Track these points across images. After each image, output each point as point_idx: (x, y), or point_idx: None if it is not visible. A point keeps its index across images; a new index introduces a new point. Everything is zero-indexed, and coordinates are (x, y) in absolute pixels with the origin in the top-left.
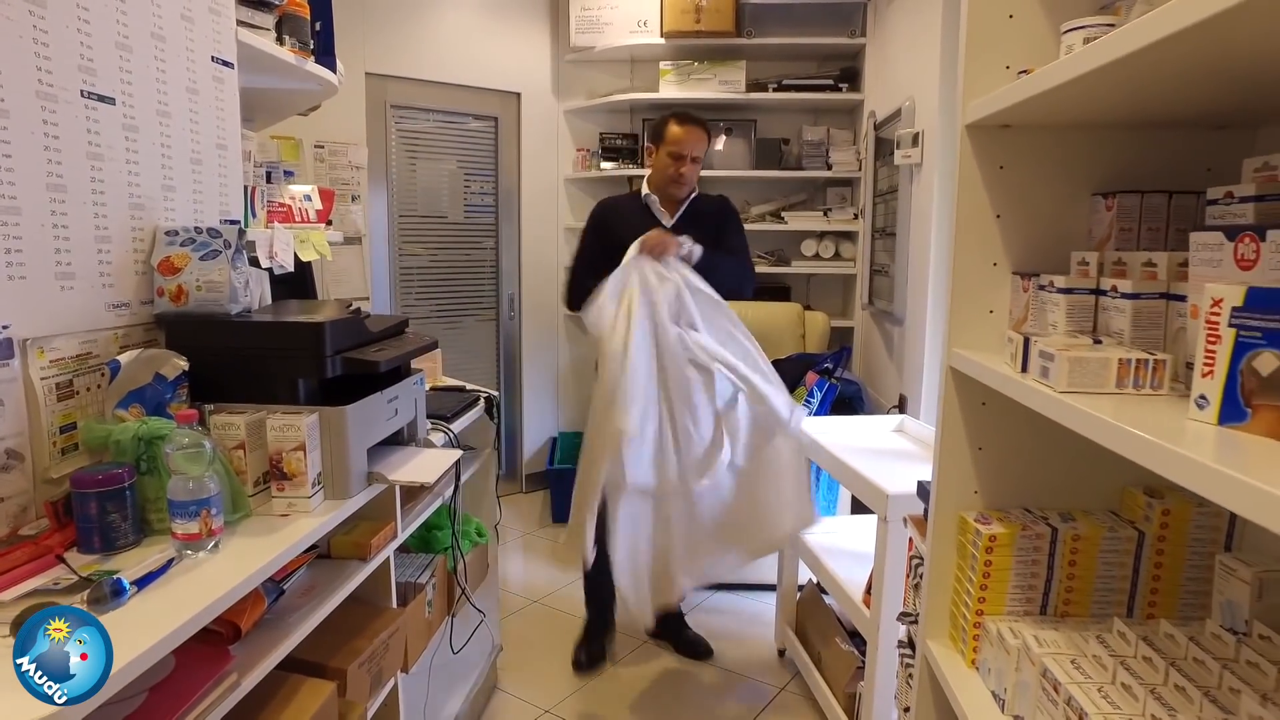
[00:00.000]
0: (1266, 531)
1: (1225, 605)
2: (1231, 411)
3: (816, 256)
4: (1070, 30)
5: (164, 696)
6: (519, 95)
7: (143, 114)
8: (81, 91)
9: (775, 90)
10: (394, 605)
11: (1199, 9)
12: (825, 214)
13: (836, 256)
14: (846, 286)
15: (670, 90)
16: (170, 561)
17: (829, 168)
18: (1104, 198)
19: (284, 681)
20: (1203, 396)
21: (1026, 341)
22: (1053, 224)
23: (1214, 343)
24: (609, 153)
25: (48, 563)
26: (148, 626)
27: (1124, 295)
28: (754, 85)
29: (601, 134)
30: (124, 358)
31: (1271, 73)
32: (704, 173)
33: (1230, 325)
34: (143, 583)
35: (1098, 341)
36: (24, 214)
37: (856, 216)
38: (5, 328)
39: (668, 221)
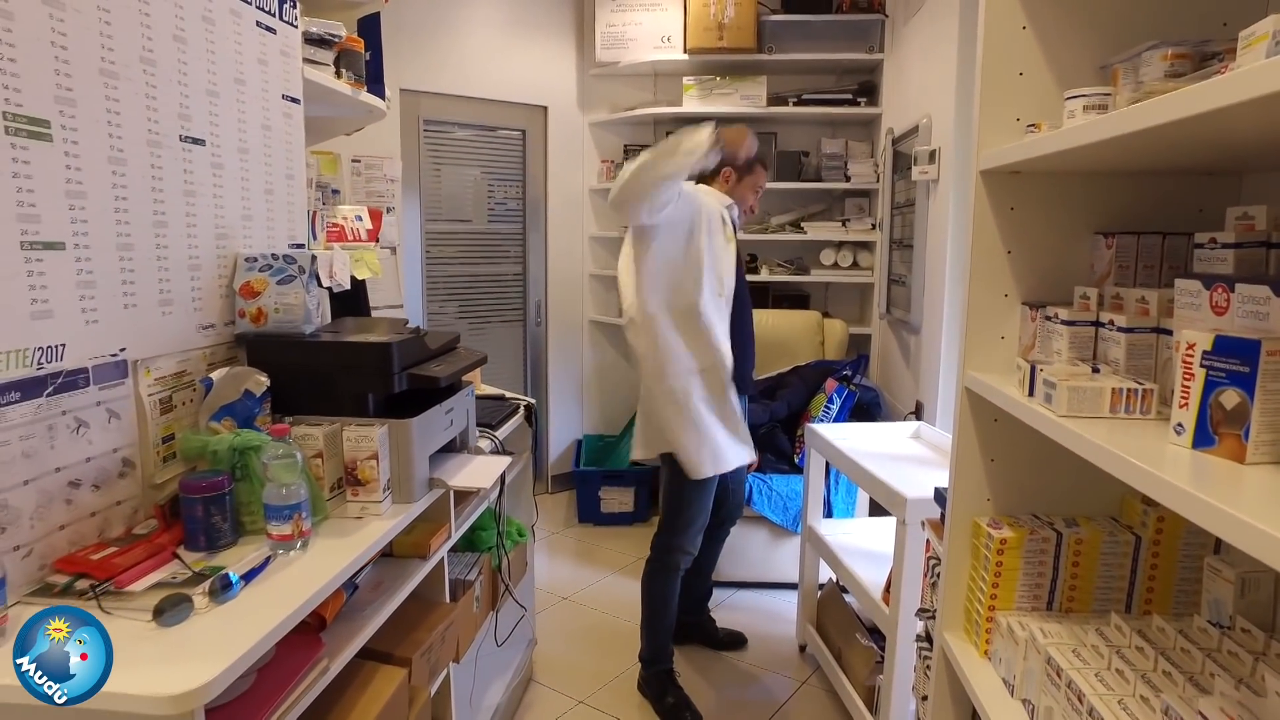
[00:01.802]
0: None
1: (1212, 602)
2: (1202, 438)
3: (835, 265)
4: (1072, 98)
5: (271, 677)
6: (546, 109)
7: (227, 152)
8: (180, 136)
9: (795, 104)
10: (447, 600)
11: (1176, 109)
12: (843, 224)
13: (854, 266)
14: (864, 295)
15: (693, 104)
16: (268, 559)
17: (847, 179)
18: (1105, 237)
19: (360, 667)
20: (1180, 424)
21: (1033, 369)
22: (1058, 260)
23: (1188, 379)
24: None
25: (165, 558)
26: (259, 616)
27: (1119, 329)
28: (774, 99)
29: (626, 146)
30: (215, 375)
31: (1247, 145)
32: None
33: (1201, 366)
34: (248, 577)
35: (1096, 370)
36: (136, 249)
37: (874, 227)
38: (122, 350)
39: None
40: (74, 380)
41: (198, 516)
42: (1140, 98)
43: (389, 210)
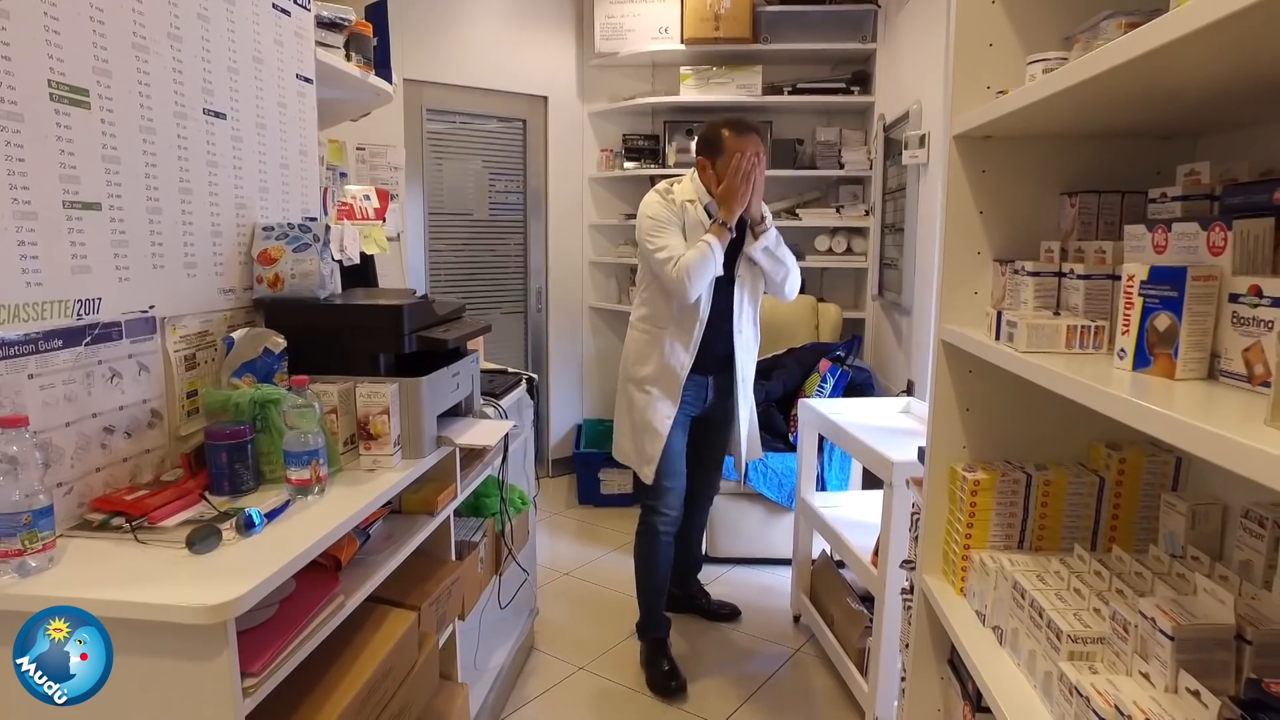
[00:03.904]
0: (1207, 473)
1: (1168, 535)
2: (1141, 360)
3: (829, 251)
4: (1033, 62)
5: (292, 608)
6: (546, 99)
7: (246, 126)
8: (203, 109)
9: (790, 93)
10: (453, 559)
11: (1117, 54)
12: (838, 210)
13: (848, 251)
14: (858, 280)
15: (690, 94)
16: (288, 502)
17: (841, 167)
18: (1069, 196)
19: (373, 610)
20: (1122, 350)
21: (999, 315)
22: (1027, 219)
23: (1129, 309)
24: (631, 153)
25: (192, 500)
26: (279, 551)
27: (1079, 276)
28: (770, 88)
29: (624, 135)
30: (236, 335)
31: (1192, 97)
32: None
33: (1140, 295)
34: (270, 516)
35: (1057, 314)
36: (164, 213)
37: (868, 213)
38: (152, 307)
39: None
40: (108, 332)
41: (222, 463)
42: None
43: (393, 198)
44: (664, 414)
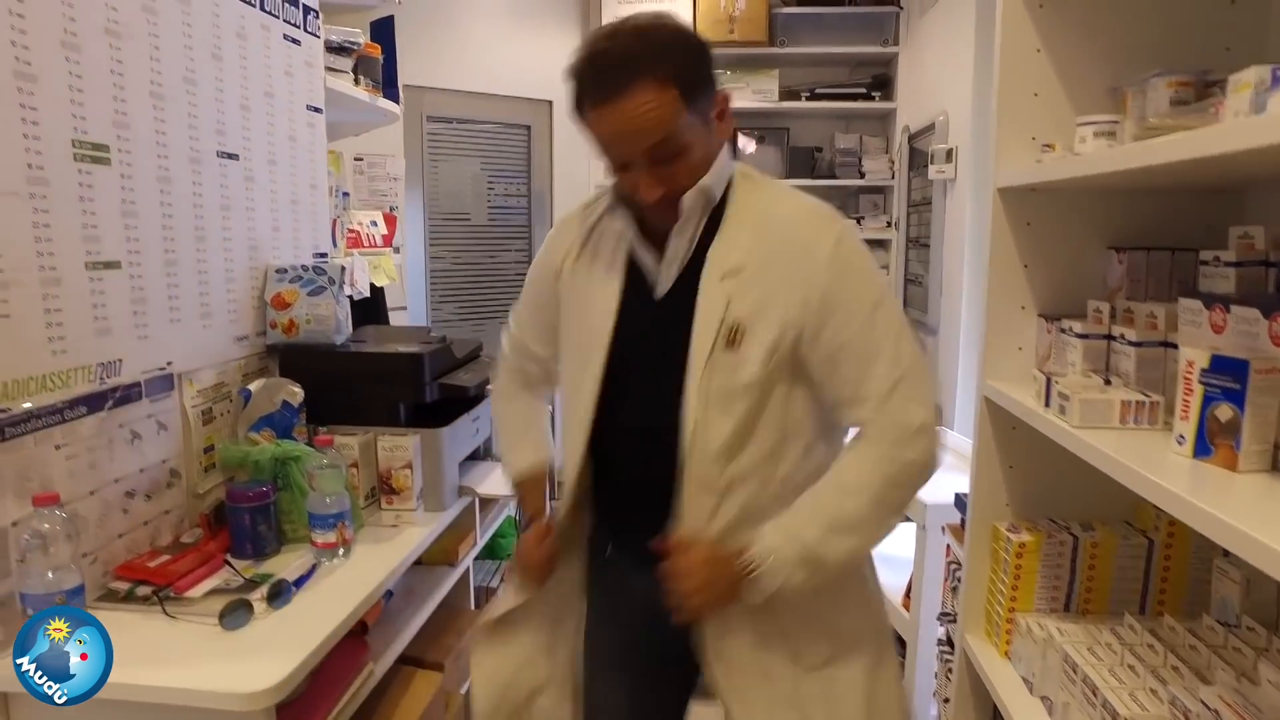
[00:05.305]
0: None
1: (1220, 602)
2: (1201, 448)
3: None
4: (1084, 124)
5: (323, 678)
6: (551, 103)
7: (257, 165)
8: (216, 152)
9: (808, 98)
10: (471, 607)
11: (1182, 150)
12: (858, 222)
13: None
14: None
15: None
16: (314, 567)
17: (861, 176)
18: (1117, 252)
19: (398, 672)
20: (1181, 436)
21: (1049, 381)
22: (1073, 273)
23: (1189, 394)
24: None
25: (216, 565)
26: (313, 624)
27: (1130, 342)
28: (786, 93)
29: None
30: (253, 387)
31: (1243, 174)
32: None
33: (1200, 382)
34: (299, 583)
35: (1108, 381)
36: (180, 264)
37: (890, 224)
38: (169, 364)
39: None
40: (129, 394)
41: (245, 525)
42: (1145, 134)
43: (393, 209)
44: None
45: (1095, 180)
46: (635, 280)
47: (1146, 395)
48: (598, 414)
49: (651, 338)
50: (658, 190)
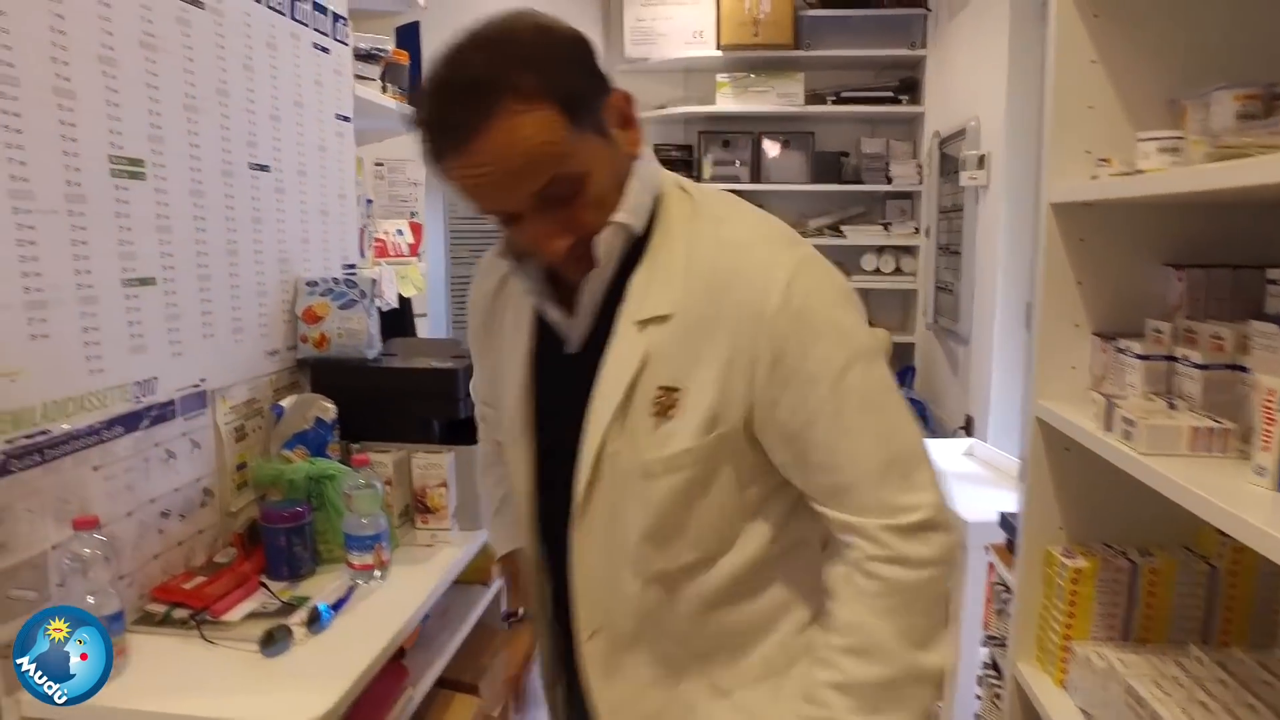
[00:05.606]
0: None
1: None
2: None
3: (876, 271)
4: (1145, 139)
5: (363, 704)
6: None
7: (288, 176)
8: (248, 164)
9: (834, 102)
10: (506, 627)
11: (1259, 174)
12: (885, 228)
13: (897, 271)
14: (906, 301)
15: (727, 103)
16: (351, 590)
17: (889, 181)
18: (1175, 269)
19: (436, 696)
20: (1261, 466)
21: (1110, 403)
22: (1129, 290)
23: (1269, 424)
24: (662, 165)
25: (252, 587)
26: (353, 650)
27: (1195, 365)
28: (812, 97)
29: (655, 145)
30: (285, 403)
31: None
32: (758, 186)
33: None
34: (336, 607)
35: (1172, 405)
36: (213, 279)
37: (918, 231)
38: (203, 381)
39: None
40: (164, 412)
41: (280, 546)
42: (1219, 153)
43: (413, 215)
44: None
45: (1161, 198)
46: (547, 335)
47: (1217, 421)
48: (539, 494)
49: (568, 400)
50: (562, 240)
